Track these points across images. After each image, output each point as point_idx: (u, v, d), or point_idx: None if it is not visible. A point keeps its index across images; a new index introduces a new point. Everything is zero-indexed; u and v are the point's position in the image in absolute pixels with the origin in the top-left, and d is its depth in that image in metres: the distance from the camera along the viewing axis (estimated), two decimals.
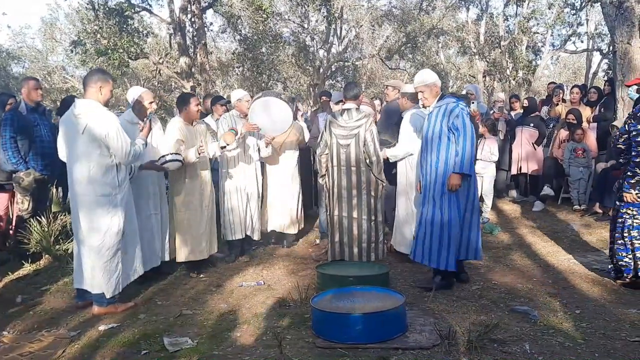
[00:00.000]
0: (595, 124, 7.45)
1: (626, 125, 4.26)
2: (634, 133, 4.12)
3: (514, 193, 8.12)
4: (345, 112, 4.88)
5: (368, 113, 5.10)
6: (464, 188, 4.23)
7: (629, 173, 4.24)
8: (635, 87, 4.96)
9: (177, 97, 6.64)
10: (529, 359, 3.08)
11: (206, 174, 5.11)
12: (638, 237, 4.23)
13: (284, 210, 5.96)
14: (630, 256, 4.26)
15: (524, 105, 8.35)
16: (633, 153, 4.16)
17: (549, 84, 9.53)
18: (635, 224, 4.24)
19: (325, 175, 5.04)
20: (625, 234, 4.28)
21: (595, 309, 3.91)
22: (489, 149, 6.83)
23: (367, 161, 4.85)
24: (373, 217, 4.93)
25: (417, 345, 3.23)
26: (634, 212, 4.24)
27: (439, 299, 4.16)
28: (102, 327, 3.78)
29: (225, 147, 5.06)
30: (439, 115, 4.27)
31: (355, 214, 4.91)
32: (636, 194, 4.18)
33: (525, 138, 7.70)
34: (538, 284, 4.56)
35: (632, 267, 4.27)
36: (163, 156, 4.58)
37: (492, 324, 3.46)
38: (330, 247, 5.05)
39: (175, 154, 4.63)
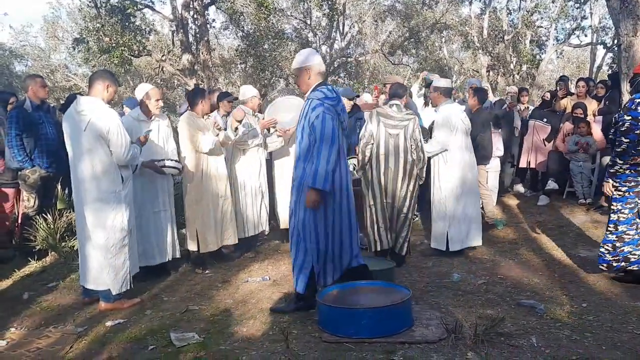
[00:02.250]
0: (600, 118, 7.41)
1: (617, 116, 4.34)
2: (620, 124, 4.16)
3: (520, 187, 8.09)
4: (394, 106, 4.87)
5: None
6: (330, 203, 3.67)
7: (609, 163, 4.29)
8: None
9: (190, 90, 6.66)
10: (535, 352, 3.08)
11: (221, 166, 5.12)
12: (627, 232, 4.22)
13: None
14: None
15: (544, 98, 8.27)
16: (616, 143, 4.18)
17: (560, 78, 9.39)
18: (621, 219, 4.24)
19: (365, 166, 4.89)
20: (612, 228, 4.31)
21: (601, 302, 3.90)
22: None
23: (414, 156, 4.85)
24: (406, 211, 4.90)
25: (424, 340, 3.23)
26: (619, 207, 4.24)
27: (445, 293, 4.16)
28: (109, 323, 3.79)
29: (238, 125, 5.11)
30: (304, 111, 3.67)
31: (396, 204, 4.88)
32: (613, 184, 4.22)
33: (537, 132, 7.65)
34: (544, 277, 4.55)
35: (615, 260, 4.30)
36: (164, 159, 4.64)
37: (499, 317, 3.46)
38: (374, 237, 4.90)
39: (176, 161, 4.72)
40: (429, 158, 5.21)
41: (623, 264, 4.25)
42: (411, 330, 3.35)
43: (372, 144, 4.83)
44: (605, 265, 4.35)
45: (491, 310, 3.75)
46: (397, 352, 3.08)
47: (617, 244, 4.24)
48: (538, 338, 3.26)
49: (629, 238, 4.20)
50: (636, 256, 4.19)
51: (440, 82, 5.41)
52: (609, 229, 4.32)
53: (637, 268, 4.22)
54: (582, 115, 7.11)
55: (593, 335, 3.32)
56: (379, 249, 4.91)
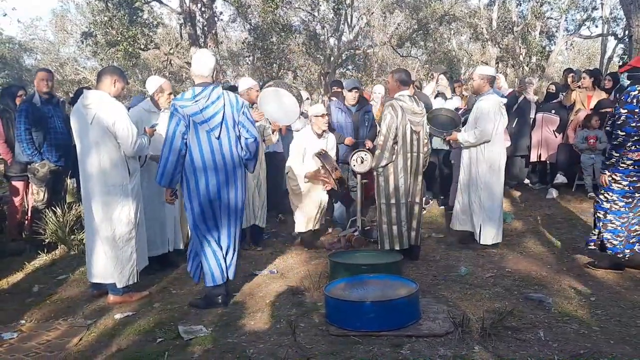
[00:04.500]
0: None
1: (614, 108, 4.43)
2: (616, 117, 4.26)
3: (526, 180, 8.05)
4: (413, 99, 4.78)
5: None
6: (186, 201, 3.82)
7: (606, 155, 4.42)
8: (626, 73, 4.90)
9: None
10: (543, 346, 3.06)
11: None
12: (613, 221, 4.34)
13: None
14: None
15: (549, 90, 8.21)
16: (613, 136, 4.29)
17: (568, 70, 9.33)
18: (613, 209, 4.33)
19: (387, 165, 4.66)
20: (601, 215, 4.43)
21: (610, 296, 3.88)
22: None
23: (425, 149, 4.86)
24: (418, 201, 4.89)
25: (431, 333, 3.23)
26: (614, 198, 4.32)
27: (453, 287, 4.16)
28: (117, 316, 3.82)
29: None
30: None
31: (417, 199, 4.85)
32: (609, 175, 4.32)
33: (545, 124, 7.59)
34: (552, 271, 4.53)
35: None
36: None
37: (506, 311, 3.45)
38: (394, 234, 4.77)
39: None
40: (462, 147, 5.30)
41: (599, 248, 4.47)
42: (418, 324, 3.35)
43: (397, 142, 4.64)
44: (591, 244, 4.56)
45: (499, 304, 3.74)
46: (404, 346, 3.08)
47: (602, 230, 4.40)
48: (546, 332, 3.25)
49: (612, 227, 4.35)
50: (612, 244, 4.35)
51: (486, 69, 5.35)
52: (598, 215, 4.46)
53: (611, 253, 4.39)
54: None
55: (601, 329, 3.30)
56: (396, 247, 4.75)
